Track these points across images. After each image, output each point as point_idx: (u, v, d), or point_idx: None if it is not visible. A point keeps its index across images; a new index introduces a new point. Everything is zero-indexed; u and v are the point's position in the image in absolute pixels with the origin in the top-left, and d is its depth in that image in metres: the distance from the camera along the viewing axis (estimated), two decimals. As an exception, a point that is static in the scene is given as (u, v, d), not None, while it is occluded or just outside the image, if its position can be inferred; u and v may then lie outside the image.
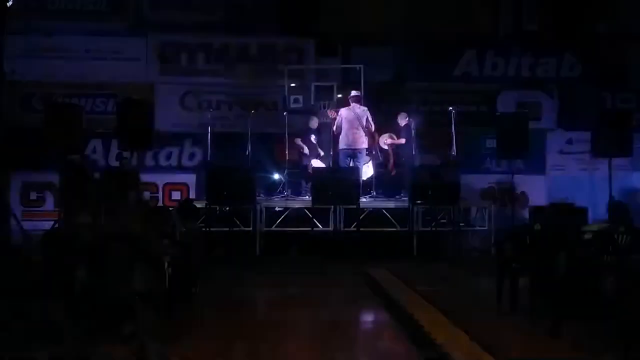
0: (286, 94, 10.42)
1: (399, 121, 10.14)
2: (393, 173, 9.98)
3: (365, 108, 9.60)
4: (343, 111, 9.54)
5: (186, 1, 11.87)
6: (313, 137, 10.23)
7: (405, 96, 12.10)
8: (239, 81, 11.92)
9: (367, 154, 9.70)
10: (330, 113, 9.72)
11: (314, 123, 10.32)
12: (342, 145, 9.50)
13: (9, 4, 10.04)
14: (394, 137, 10.05)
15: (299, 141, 10.18)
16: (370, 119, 9.50)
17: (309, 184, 10.01)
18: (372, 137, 9.56)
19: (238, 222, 8.63)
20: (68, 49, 11.60)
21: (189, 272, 4.90)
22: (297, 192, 9.96)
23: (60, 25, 11.50)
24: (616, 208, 5.43)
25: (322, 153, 10.29)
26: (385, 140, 10.06)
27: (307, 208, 8.71)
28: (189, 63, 11.85)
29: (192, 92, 11.83)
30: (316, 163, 9.87)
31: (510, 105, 11.91)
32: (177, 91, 11.77)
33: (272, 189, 10.23)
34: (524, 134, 8.92)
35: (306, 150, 10.12)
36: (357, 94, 9.65)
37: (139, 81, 11.66)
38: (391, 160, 10.00)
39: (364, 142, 9.44)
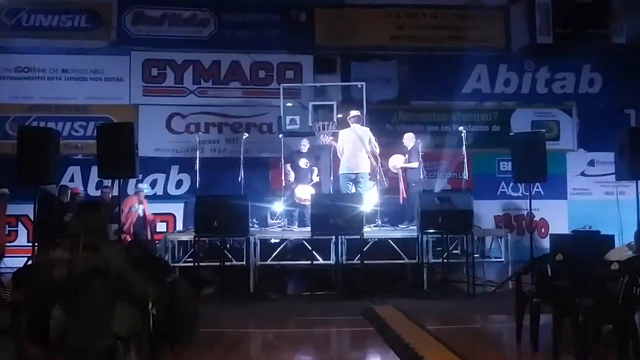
0: (282, 114, 10.48)
1: (405, 143, 10.14)
2: (403, 200, 9.96)
3: (367, 128, 9.64)
4: (343, 133, 9.58)
5: (172, 16, 12.02)
6: (304, 161, 10.25)
7: (411, 116, 12.19)
8: (231, 101, 12.02)
9: (370, 179, 9.72)
10: (324, 139, 9.73)
11: (304, 146, 10.35)
12: (343, 169, 9.51)
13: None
14: (406, 159, 10.06)
15: (287, 167, 10.21)
16: (373, 140, 9.53)
17: (297, 213, 10.01)
18: (376, 160, 9.57)
19: (230, 256, 8.60)
20: (44, 68, 11.73)
21: (176, 312, 4.86)
22: (292, 222, 9.97)
23: (36, 43, 11.65)
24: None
25: (314, 179, 10.31)
26: (395, 164, 10.09)
27: (305, 239, 8.68)
28: (176, 82, 11.95)
29: (179, 114, 11.91)
30: (302, 190, 9.88)
31: (526, 125, 12.00)
32: (162, 113, 11.86)
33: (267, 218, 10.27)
34: (542, 155, 8.94)
35: (291, 176, 10.14)
36: (357, 113, 9.70)
37: (122, 103, 11.76)
38: (401, 186, 10.01)
39: (367, 166, 9.46)
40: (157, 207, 11.38)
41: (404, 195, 9.95)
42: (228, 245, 8.86)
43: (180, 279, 5.43)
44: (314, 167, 10.41)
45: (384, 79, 12.12)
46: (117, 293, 3.95)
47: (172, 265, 8.54)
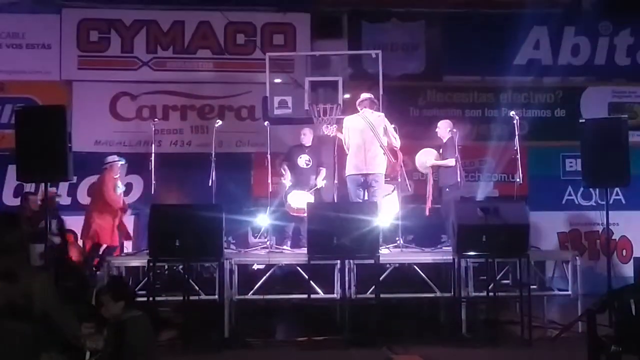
0: (267, 94, 10.48)
1: (440, 133, 10.14)
2: (428, 212, 9.96)
3: (382, 114, 9.64)
4: (349, 120, 9.57)
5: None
6: (305, 159, 10.27)
7: (444, 96, 12.19)
8: (198, 76, 12.01)
9: (388, 181, 9.73)
10: (328, 129, 9.70)
11: (307, 138, 10.37)
12: (350, 169, 9.50)
13: None
14: (438, 156, 10.04)
15: (283, 165, 10.21)
16: (391, 129, 9.53)
17: (291, 229, 10.05)
18: (395, 157, 9.56)
19: (197, 288, 8.59)
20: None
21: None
22: (282, 241, 10.03)
23: None
24: None
25: (319, 184, 10.33)
26: (425, 161, 10.07)
27: (300, 265, 8.68)
28: (124, 51, 11.95)
29: (128, 94, 11.90)
30: (297, 197, 9.93)
31: (602, 108, 12.00)
32: (105, 93, 11.86)
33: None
34: (623, 149, 8.94)
35: (286, 176, 10.14)
36: (369, 97, 9.68)
37: (49, 78, 11.76)
38: (430, 191, 9.97)
39: (381, 165, 9.46)
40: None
41: (435, 205, 9.94)
42: (194, 274, 8.85)
43: (142, 316, 5.28)
44: (320, 168, 10.42)
45: (407, 46, 12.14)
46: (42, 338, 3.94)
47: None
